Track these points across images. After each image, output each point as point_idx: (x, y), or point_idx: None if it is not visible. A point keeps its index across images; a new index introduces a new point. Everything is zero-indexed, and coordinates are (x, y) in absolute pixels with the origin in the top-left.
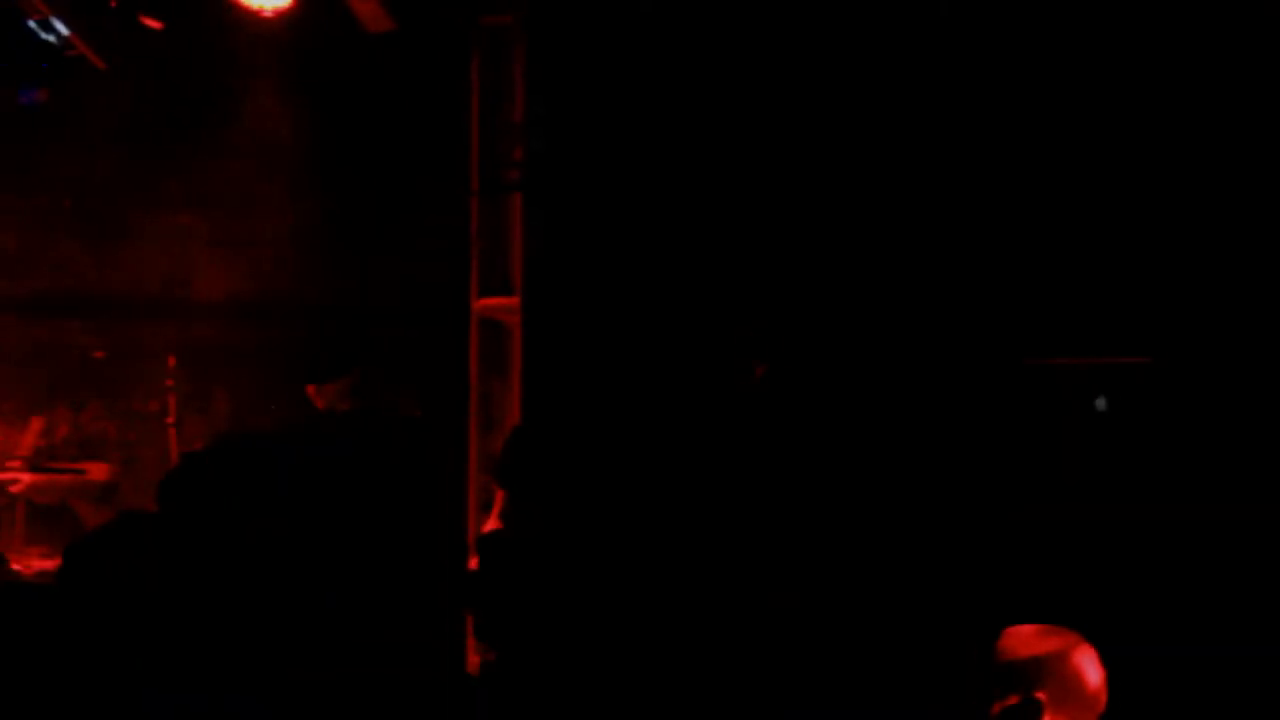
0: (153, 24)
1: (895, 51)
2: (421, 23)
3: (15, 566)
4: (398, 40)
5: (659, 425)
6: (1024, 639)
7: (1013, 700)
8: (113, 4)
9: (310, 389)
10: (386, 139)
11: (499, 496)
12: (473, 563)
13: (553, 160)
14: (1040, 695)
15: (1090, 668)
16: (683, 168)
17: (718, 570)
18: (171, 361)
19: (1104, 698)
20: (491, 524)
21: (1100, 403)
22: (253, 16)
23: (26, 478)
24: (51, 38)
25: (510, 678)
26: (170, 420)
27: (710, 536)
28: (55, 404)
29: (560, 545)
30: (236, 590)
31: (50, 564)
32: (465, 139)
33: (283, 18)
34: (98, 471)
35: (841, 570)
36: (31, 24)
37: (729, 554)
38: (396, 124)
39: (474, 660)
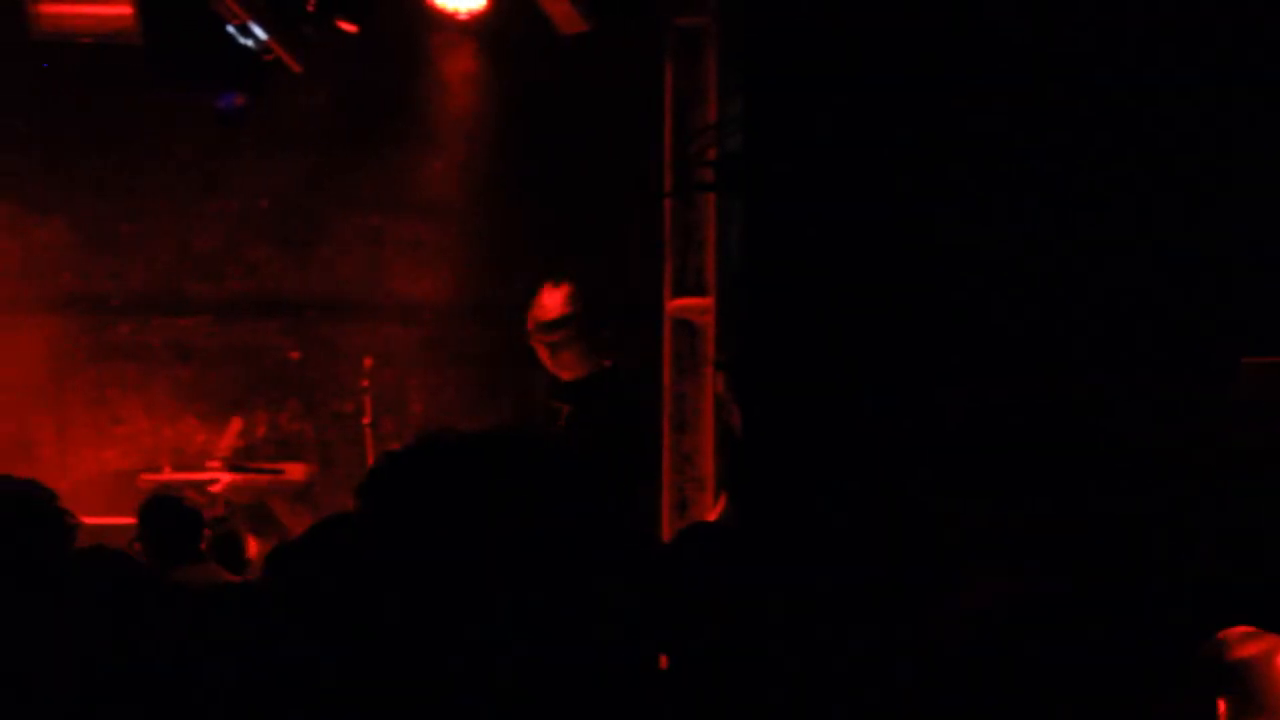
0: (348, 27)
1: (1102, 51)
2: (614, 24)
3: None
4: (591, 41)
5: (858, 427)
6: (1234, 641)
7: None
8: (310, 8)
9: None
10: (579, 140)
11: (722, 498)
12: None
13: (747, 160)
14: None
15: None
16: (883, 168)
17: (934, 580)
18: (367, 362)
19: None
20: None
21: None
22: (447, 19)
23: (226, 477)
24: (249, 43)
25: (704, 678)
26: (366, 420)
27: (922, 542)
28: (253, 405)
29: (770, 547)
30: (440, 595)
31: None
32: (658, 140)
33: (476, 20)
34: (295, 471)
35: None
36: (230, 29)
37: (942, 562)
38: (589, 125)
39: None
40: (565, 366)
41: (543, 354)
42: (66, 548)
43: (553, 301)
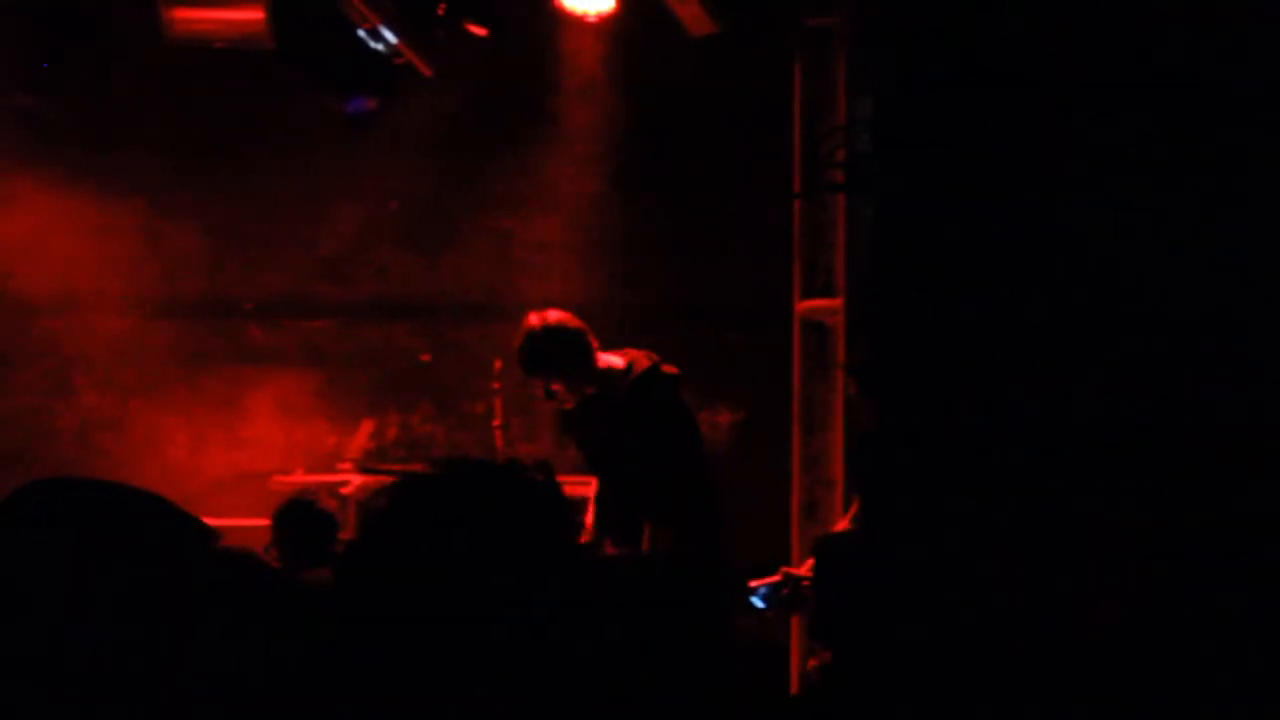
0: (478, 31)
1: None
2: (743, 25)
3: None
4: (720, 43)
5: (994, 429)
6: None
7: None
8: (440, 12)
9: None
10: (708, 141)
11: (855, 503)
12: (806, 565)
13: (878, 161)
14: None
15: None
16: (1019, 165)
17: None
18: (497, 364)
19: None
20: (843, 526)
21: None
22: (576, 21)
23: (357, 479)
24: (380, 46)
25: (845, 679)
26: (497, 422)
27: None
28: (384, 407)
29: (908, 549)
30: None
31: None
32: (787, 140)
33: (605, 22)
34: None
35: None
36: (361, 33)
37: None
38: (718, 126)
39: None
40: (563, 400)
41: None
42: (206, 553)
43: (531, 347)
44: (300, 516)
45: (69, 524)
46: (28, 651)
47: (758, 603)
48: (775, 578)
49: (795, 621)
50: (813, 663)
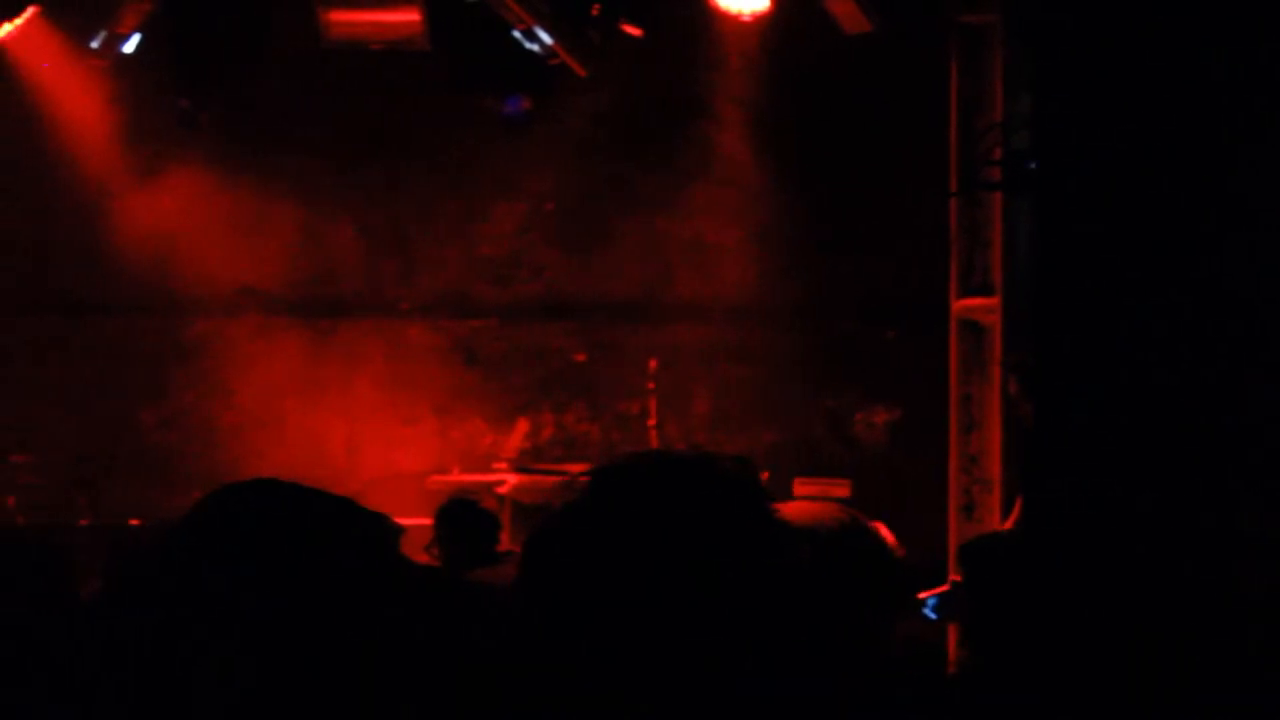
0: (633, 31)
1: None
2: (898, 22)
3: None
4: (874, 40)
5: (1162, 432)
6: None
7: None
8: (594, 12)
9: None
10: (863, 140)
11: (1018, 504)
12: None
13: (1036, 159)
14: None
15: None
16: (1179, 162)
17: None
18: (652, 364)
19: None
20: (1008, 527)
21: None
22: (731, 21)
23: (513, 479)
24: (535, 47)
25: (1000, 685)
26: (652, 422)
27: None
28: (540, 407)
29: (1067, 551)
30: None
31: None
32: (943, 138)
33: (760, 21)
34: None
35: None
36: (516, 34)
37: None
38: (873, 124)
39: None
40: None
41: None
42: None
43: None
44: (462, 516)
45: (274, 528)
46: (236, 662)
47: (929, 614)
48: (944, 587)
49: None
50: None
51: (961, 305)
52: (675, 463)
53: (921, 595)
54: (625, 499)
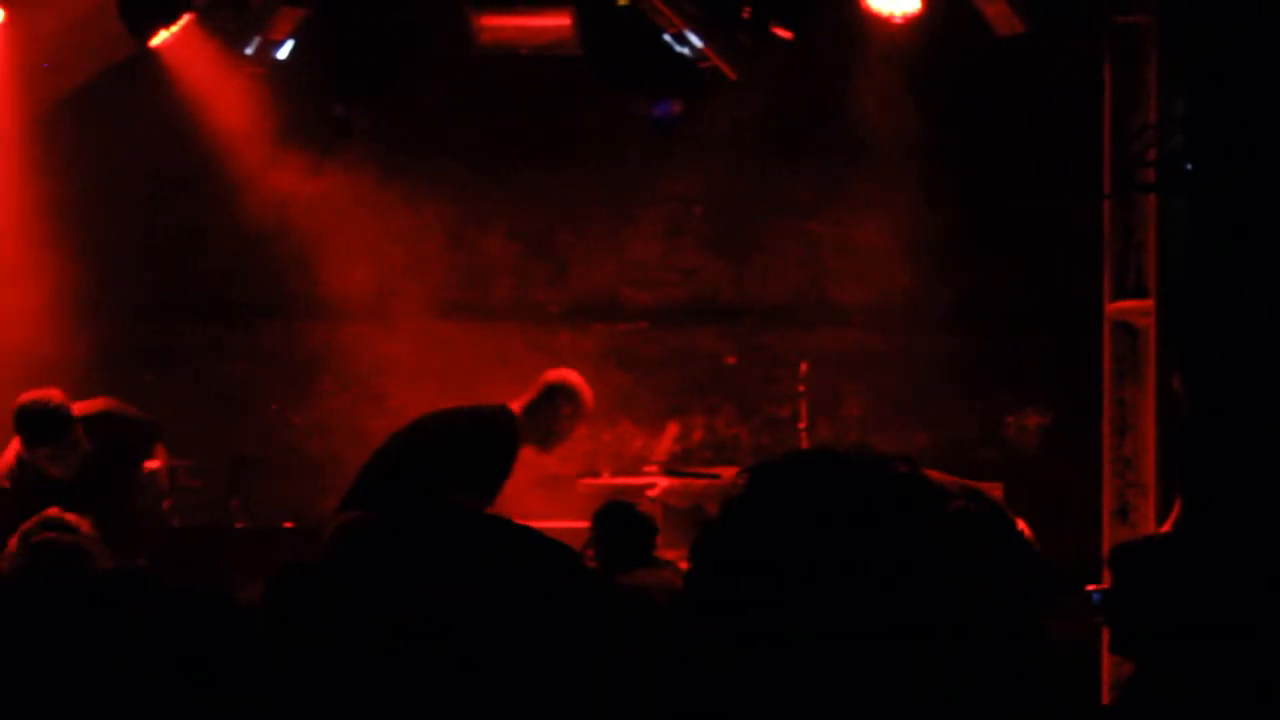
0: (783, 34)
1: None
2: (1051, 23)
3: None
4: (1027, 41)
5: None
6: None
7: None
8: (745, 15)
9: None
10: (1014, 141)
11: (1177, 505)
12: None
13: (1190, 160)
14: None
15: None
16: None
17: None
18: (803, 367)
19: None
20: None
21: None
22: (882, 23)
23: (663, 482)
24: (685, 50)
25: (1153, 694)
26: (802, 425)
27: None
28: (690, 410)
29: (1223, 554)
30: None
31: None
32: (1096, 140)
33: (911, 22)
34: (732, 477)
35: None
36: (667, 37)
37: None
38: (1024, 125)
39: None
40: None
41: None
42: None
43: None
44: (620, 519)
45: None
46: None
47: (1094, 609)
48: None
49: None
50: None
51: (1115, 308)
52: (843, 460)
53: (1090, 588)
54: (792, 495)
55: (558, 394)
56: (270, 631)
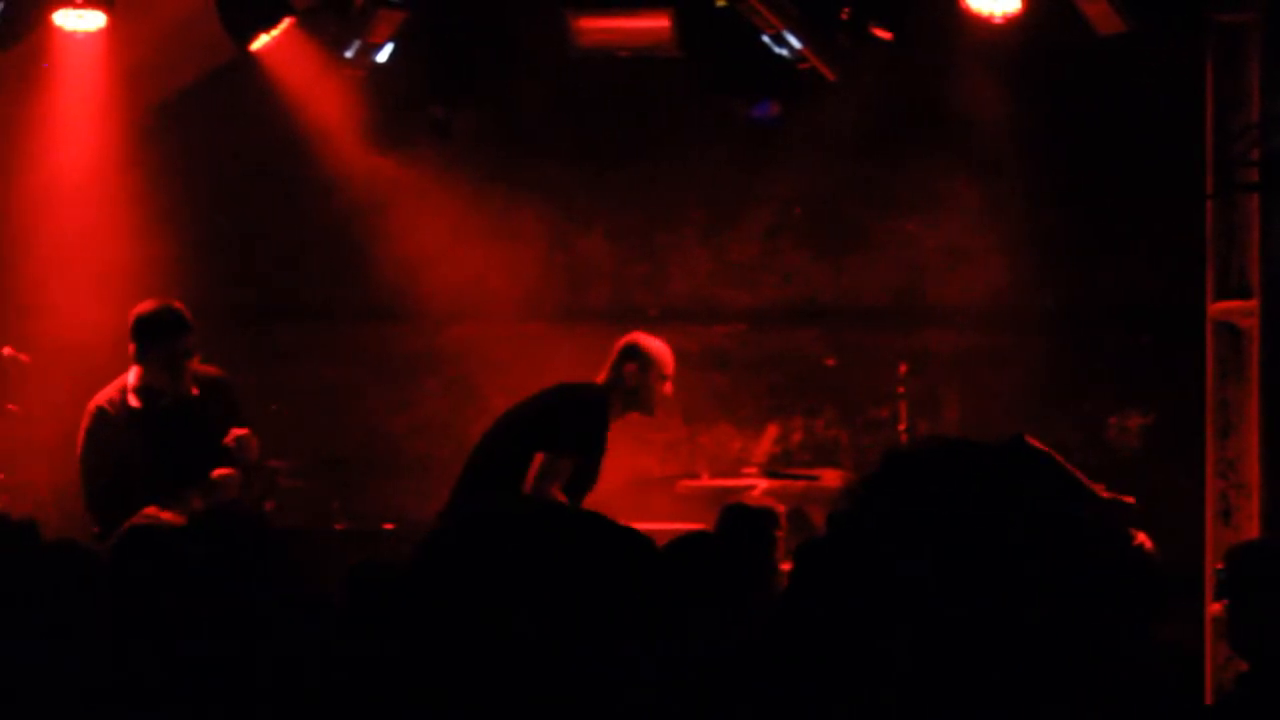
0: (883, 34)
1: None
2: (1152, 22)
3: None
4: (1129, 41)
5: None
6: None
7: None
8: (844, 16)
9: None
10: (1116, 140)
11: None
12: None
13: None
14: None
15: None
16: None
17: None
18: (903, 368)
19: None
20: None
21: None
22: (981, 23)
23: (763, 483)
24: (784, 52)
25: (1264, 694)
26: (902, 427)
27: None
28: (789, 411)
29: None
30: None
31: None
32: (1198, 139)
33: (1011, 22)
34: (831, 478)
35: None
36: (765, 39)
37: None
38: (1125, 125)
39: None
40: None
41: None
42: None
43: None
44: (740, 521)
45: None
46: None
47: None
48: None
49: (1209, 628)
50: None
51: (1218, 308)
52: (976, 447)
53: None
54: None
55: (624, 355)
56: (349, 630)
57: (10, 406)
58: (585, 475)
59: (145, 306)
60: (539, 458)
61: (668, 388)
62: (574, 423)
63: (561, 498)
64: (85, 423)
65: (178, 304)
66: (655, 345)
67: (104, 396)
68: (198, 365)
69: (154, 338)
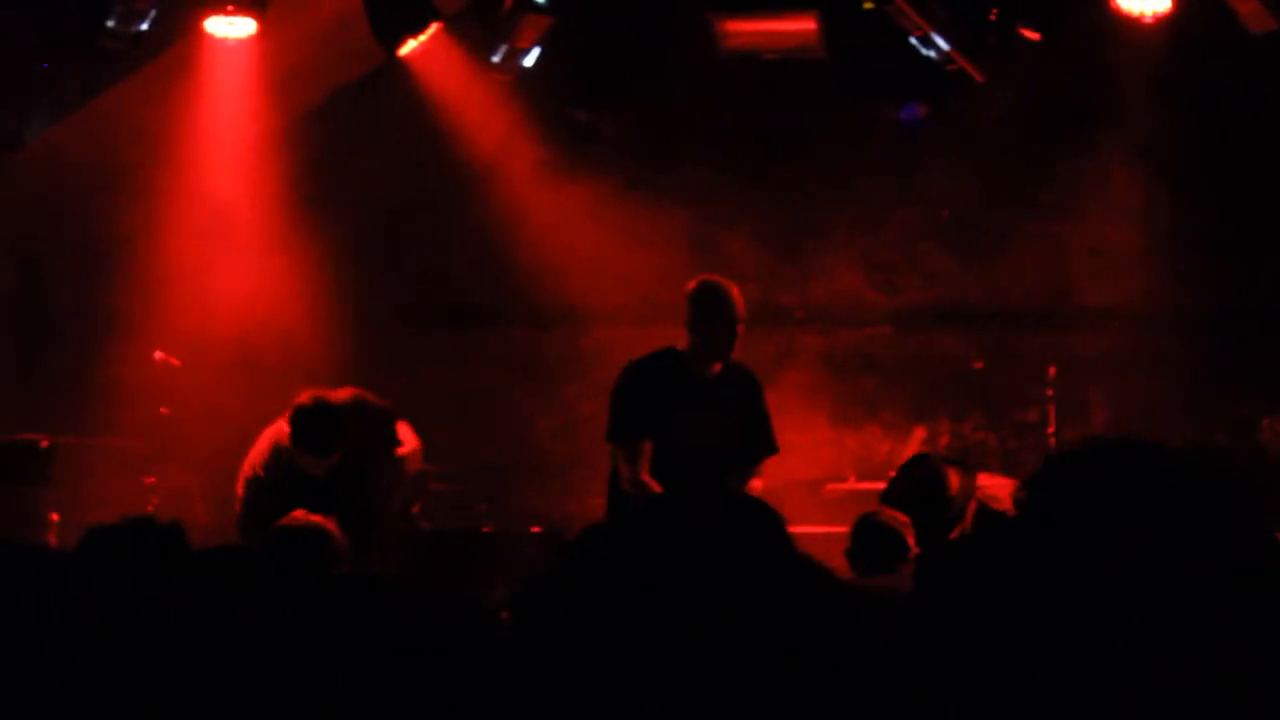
0: (1031, 35)
1: None
2: None
3: None
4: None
5: None
6: None
7: None
8: (992, 17)
9: None
10: (1267, 139)
11: None
12: None
13: None
14: None
15: None
16: None
17: None
18: (1051, 371)
19: None
20: None
21: None
22: (1132, 22)
23: None
24: (932, 53)
25: None
26: (1050, 430)
27: None
28: (936, 414)
29: None
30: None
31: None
32: None
33: (1161, 22)
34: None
35: None
36: (913, 40)
37: None
38: (1276, 126)
39: None
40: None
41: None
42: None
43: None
44: (872, 529)
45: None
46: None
47: None
48: None
49: None
50: None
51: None
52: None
53: None
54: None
55: (688, 303)
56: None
57: (162, 410)
58: (668, 432)
59: (306, 401)
60: None
61: (718, 331)
62: (610, 409)
63: (645, 475)
64: (264, 453)
65: (334, 410)
66: (695, 289)
67: (281, 433)
68: (347, 399)
69: (298, 444)
